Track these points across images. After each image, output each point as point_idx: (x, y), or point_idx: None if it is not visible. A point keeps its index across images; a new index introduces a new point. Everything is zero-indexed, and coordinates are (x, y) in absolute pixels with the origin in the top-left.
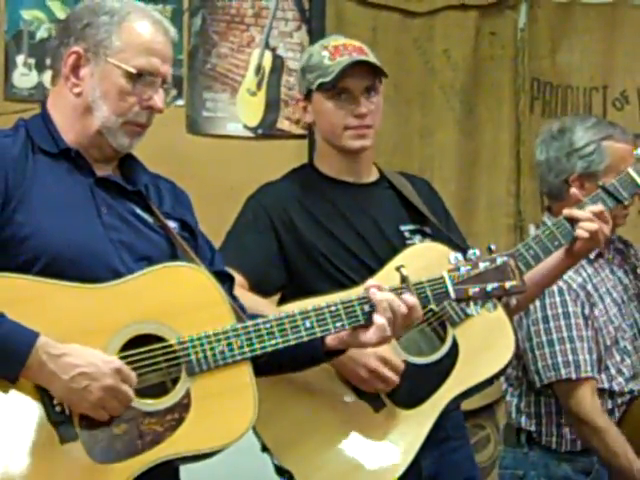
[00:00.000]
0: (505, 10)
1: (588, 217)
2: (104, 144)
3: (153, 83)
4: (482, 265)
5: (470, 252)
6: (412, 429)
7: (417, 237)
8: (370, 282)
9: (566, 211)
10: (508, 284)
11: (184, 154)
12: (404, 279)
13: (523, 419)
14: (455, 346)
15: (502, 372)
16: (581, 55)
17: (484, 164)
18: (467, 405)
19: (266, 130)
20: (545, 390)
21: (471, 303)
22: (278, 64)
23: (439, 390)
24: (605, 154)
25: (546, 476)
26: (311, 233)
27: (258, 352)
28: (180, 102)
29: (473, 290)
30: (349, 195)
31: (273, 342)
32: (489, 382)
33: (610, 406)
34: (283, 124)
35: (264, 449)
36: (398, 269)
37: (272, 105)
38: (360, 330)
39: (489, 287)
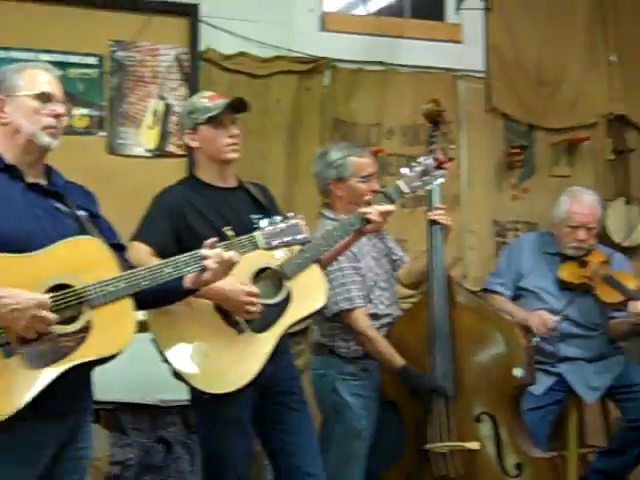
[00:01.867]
0: (316, 74)
1: (375, 213)
2: (34, 148)
3: (52, 99)
4: (282, 225)
5: (277, 218)
6: (262, 345)
7: (261, 222)
8: (208, 240)
9: (361, 209)
10: (299, 237)
11: (105, 168)
12: (229, 237)
13: (324, 339)
14: (289, 293)
15: (321, 309)
16: (364, 103)
17: (302, 175)
18: (290, 328)
19: (160, 152)
20: (335, 319)
21: (276, 250)
22: (168, 109)
23: (280, 320)
24: (348, 165)
25: (339, 373)
26: (195, 222)
27: (137, 289)
28: (103, 133)
29: (277, 241)
30: (220, 195)
31: (146, 283)
32: (312, 315)
33: (378, 325)
34: (171, 148)
35: (164, 360)
36: (225, 232)
37: (163, 135)
38: (202, 273)
39: (286, 238)
